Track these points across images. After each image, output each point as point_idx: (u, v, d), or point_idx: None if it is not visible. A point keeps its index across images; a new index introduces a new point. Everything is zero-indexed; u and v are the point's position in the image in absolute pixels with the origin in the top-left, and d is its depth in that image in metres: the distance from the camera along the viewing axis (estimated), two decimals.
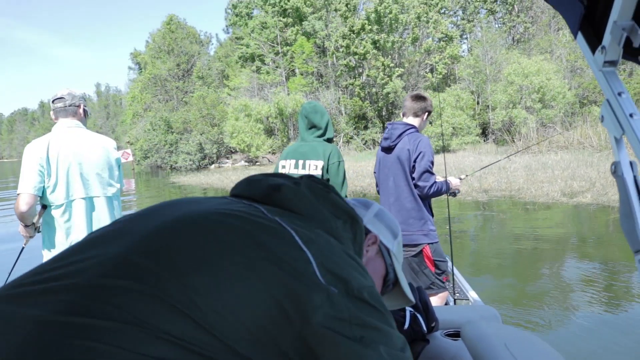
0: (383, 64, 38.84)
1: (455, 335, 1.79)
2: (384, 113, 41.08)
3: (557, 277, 6.56)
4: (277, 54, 46.26)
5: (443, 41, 40.74)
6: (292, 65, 45.21)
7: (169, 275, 0.70)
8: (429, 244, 3.46)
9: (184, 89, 54.35)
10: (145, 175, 41.28)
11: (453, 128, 31.59)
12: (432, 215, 3.55)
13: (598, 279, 6.25)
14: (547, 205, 12.05)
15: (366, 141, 38.53)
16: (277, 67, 46.13)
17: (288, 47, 45.50)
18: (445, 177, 3.60)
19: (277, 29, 45.69)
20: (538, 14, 41.79)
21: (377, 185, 3.83)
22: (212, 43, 70.79)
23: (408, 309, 1.75)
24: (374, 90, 40.62)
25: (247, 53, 48.11)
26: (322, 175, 3.51)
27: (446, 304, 3.61)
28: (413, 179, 3.46)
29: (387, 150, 3.63)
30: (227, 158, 43.61)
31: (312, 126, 3.70)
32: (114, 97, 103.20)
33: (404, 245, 3.42)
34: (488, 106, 32.94)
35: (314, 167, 3.57)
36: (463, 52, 43.61)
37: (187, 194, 23.91)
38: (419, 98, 3.63)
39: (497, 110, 31.06)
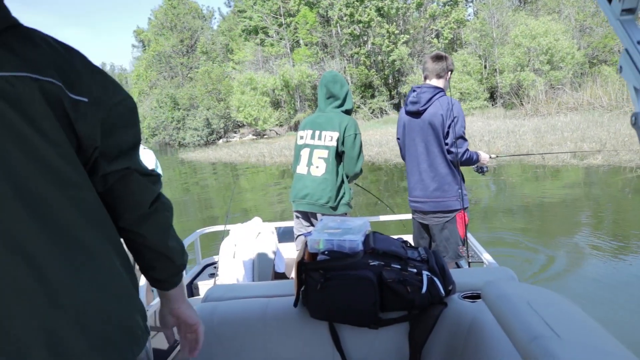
0: (388, 31, 38.29)
1: (473, 297, 1.80)
2: (390, 81, 40.69)
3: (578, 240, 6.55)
4: (280, 25, 45.77)
5: (448, 5, 40.00)
6: (296, 37, 44.76)
7: None
8: (463, 208, 3.39)
9: (188, 64, 54.11)
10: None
11: (460, 93, 31.25)
12: (464, 180, 3.45)
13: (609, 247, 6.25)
14: (556, 168, 11.97)
15: (373, 110, 38.26)
16: (281, 38, 45.69)
17: (291, 18, 44.98)
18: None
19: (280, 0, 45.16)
20: None
21: (401, 151, 3.71)
22: (215, 17, 70.35)
23: (425, 273, 1.77)
24: (379, 58, 40.17)
25: (250, 26, 47.65)
26: (337, 147, 3.49)
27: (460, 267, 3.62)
28: (446, 144, 3.34)
29: (415, 114, 3.45)
30: (235, 132, 43.59)
31: (331, 96, 3.62)
32: (119, 76, 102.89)
33: (438, 212, 3.40)
34: (496, 70, 32.50)
35: (330, 138, 3.51)
36: (469, 16, 42.87)
37: (196, 171, 24.01)
38: (439, 58, 3.46)
39: (505, 74, 30.67)
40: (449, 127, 3.29)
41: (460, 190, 3.37)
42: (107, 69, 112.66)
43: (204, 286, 3.93)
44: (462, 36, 38.74)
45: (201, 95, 44.42)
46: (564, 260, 5.77)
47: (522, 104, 27.52)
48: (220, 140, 42.80)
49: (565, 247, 6.21)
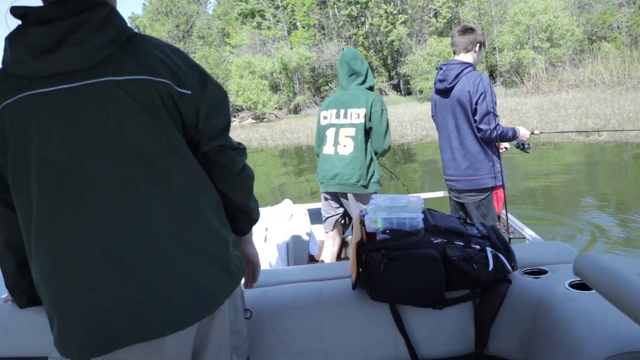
0: (386, 12, 37.99)
1: (536, 273, 1.78)
2: (389, 62, 40.47)
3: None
4: (277, 8, 45.35)
5: None
6: (293, 19, 44.38)
7: None
8: (500, 185, 3.31)
9: (185, 49, 53.54)
10: None
11: None
12: (499, 157, 3.35)
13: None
14: (561, 145, 11.97)
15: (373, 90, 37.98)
16: (278, 21, 45.30)
17: (288, 0, 44.54)
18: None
19: None
20: None
21: (437, 128, 3.62)
22: (210, 1, 69.37)
23: (489, 249, 1.76)
24: (377, 39, 39.90)
25: (246, 9, 47.19)
26: (365, 124, 3.42)
27: None
28: (475, 121, 3.25)
29: (443, 92, 3.39)
30: (234, 116, 43.32)
31: (353, 73, 3.54)
32: None
33: (472, 190, 3.35)
34: (495, 48, 32.30)
35: (356, 116, 3.44)
36: None
37: None
38: (466, 31, 3.34)
39: (505, 52, 30.49)
40: (476, 104, 3.20)
41: (494, 167, 3.29)
42: None
43: None
44: (461, 15, 38.42)
45: None
46: (609, 233, 5.73)
47: (522, 82, 27.43)
48: None
49: (601, 221, 6.17)
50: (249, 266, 1.74)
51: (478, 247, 1.78)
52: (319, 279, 2.04)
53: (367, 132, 3.48)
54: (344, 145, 3.48)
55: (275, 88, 40.88)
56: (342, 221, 3.71)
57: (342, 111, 3.51)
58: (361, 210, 2.34)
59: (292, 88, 40.46)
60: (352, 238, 1.95)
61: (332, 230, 3.68)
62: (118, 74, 1.19)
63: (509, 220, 3.06)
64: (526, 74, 28.06)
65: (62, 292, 1.19)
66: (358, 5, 38.98)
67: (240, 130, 31.87)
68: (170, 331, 1.21)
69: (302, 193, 10.91)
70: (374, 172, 3.49)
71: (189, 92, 1.29)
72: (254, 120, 40.38)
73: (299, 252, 3.37)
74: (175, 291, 1.23)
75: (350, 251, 1.92)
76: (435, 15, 39.55)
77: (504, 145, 3.56)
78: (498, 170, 3.31)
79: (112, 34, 1.21)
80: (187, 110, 1.29)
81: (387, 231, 1.83)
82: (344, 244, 3.93)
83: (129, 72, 1.20)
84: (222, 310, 1.38)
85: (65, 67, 1.17)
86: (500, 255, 1.75)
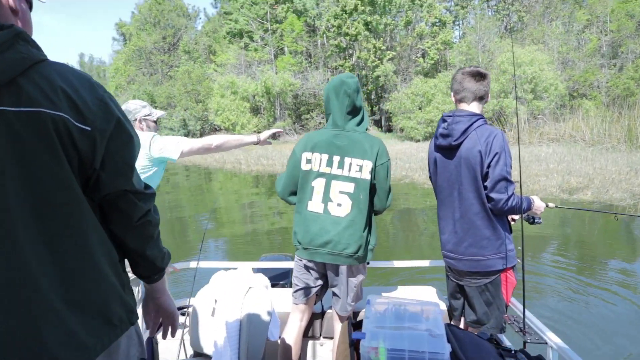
0: (374, 47, 38.09)
1: None
2: (373, 97, 40.44)
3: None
4: (266, 31, 45.18)
5: (436, 26, 40.02)
6: (281, 44, 44.22)
7: None
8: (510, 267, 2.71)
9: (169, 62, 53.00)
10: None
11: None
12: (511, 232, 2.78)
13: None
14: (546, 201, 11.62)
15: None
16: (265, 44, 45.07)
17: (278, 25, 44.44)
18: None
19: (267, 5, 44.57)
20: (532, 3, 41.20)
21: (436, 194, 2.98)
22: (200, 17, 69.52)
23: None
24: (364, 72, 39.88)
25: (235, 29, 46.93)
26: (370, 180, 2.75)
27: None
28: (485, 188, 2.65)
29: (447, 150, 2.77)
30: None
31: (352, 110, 2.81)
32: (97, 69, 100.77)
33: (475, 273, 2.73)
34: None
35: (357, 168, 2.74)
36: (455, 38, 42.97)
37: (167, 172, 23.17)
38: (481, 76, 2.73)
39: (489, 99, 30.59)
40: (488, 167, 2.59)
41: (504, 246, 2.68)
42: (85, 60, 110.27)
43: (169, 343, 2.98)
44: (448, 58, 38.70)
45: (180, 95, 43.43)
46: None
47: (504, 131, 27.42)
48: None
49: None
50: (165, 316, 1.67)
51: None
52: None
53: (371, 190, 2.80)
54: (338, 205, 2.75)
55: (256, 111, 40.38)
56: (318, 293, 3.00)
57: (336, 159, 2.77)
58: (352, 330, 1.71)
59: (273, 113, 40.00)
60: None
61: (304, 304, 2.96)
62: (14, 105, 1.14)
63: (525, 318, 2.37)
64: (508, 123, 28.10)
65: None
66: (347, 37, 39.01)
67: None
68: None
69: (274, 226, 10.28)
70: (370, 238, 2.85)
71: (89, 128, 1.24)
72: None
73: (255, 336, 2.56)
74: (49, 339, 1.16)
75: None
76: (423, 56, 39.78)
77: (512, 217, 2.91)
78: (509, 249, 2.69)
79: (12, 60, 1.15)
80: (84, 148, 1.24)
81: None
82: (313, 317, 3.25)
83: (25, 103, 1.15)
84: None
85: None
86: None
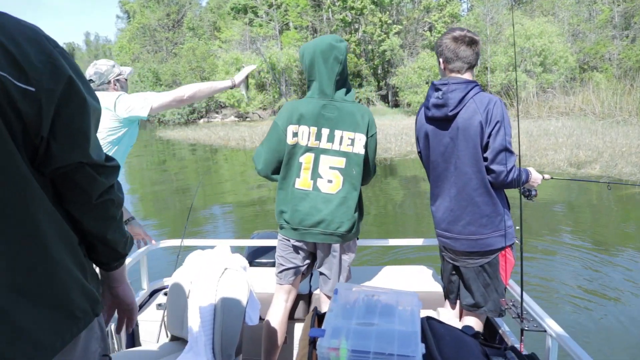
0: (380, 20, 37.52)
1: None
2: (379, 71, 39.96)
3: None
4: (270, 6, 44.60)
5: None
6: (286, 19, 43.68)
7: None
8: (508, 246, 2.53)
9: (173, 40, 52.58)
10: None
11: None
12: (509, 208, 2.59)
13: None
14: (551, 175, 11.36)
15: (360, 100, 37.54)
16: (270, 20, 44.54)
17: (282, 0, 43.85)
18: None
19: None
20: None
21: (427, 171, 2.77)
22: None
23: None
24: (369, 47, 39.38)
25: (239, 4, 46.38)
26: (365, 154, 2.60)
27: (497, 335, 2.73)
28: (485, 159, 2.44)
29: (441, 122, 2.54)
30: (217, 113, 42.40)
31: (341, 77, 2.60)
32: (103, 47, 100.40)
33: (473, 253, 2.55)
34: (487, 68, 31.89)
35: (349, 142, 2.57)
36: (463, 11, 42.24)
37: (174, 150, 23.05)
38: (473, 42, 2.50)
39: (497, 73, 30.07)
40: (489, 137, 2.39)
41: (504, 222, 2.50)
42: (91, 39, 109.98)
43: (148, 325, 2.94)
44: None
45: (184, 72, 43.12)
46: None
47: (512, 105, 27.01)
48: (202, 120, 41.56)
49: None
50: (122, 308, 1.51)
51: None
52: None
53: (365, 165, 2.64)
54: (329, 181, 2.59)
55: (261, 87, 40.08)
56: (304, 272, 2.83)
57: (325, 131, 2.57)
58: (316, 323, 1.51)
59: (278, 89, 39.68)
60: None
61: (290, 284, 2.80)
62: None
63: (523, 303, 2.15)
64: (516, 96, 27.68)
65: None
66: (353, 11, 38.42)
67: (220, 128, 31.06)
68: None
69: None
70: (361, 213, 2.70)
71: (33, 88, 1.04)
72: (236, 118, 39.59)
73: (230, 321, 2.31)
74: None
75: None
76: (430, 29, 39.14)
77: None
78: (509, 226, 2.50)
79: None
80: (28, 111, 1.04)
81: None
82: (298, 297, 3.05)
83: None
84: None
85: None
86: None
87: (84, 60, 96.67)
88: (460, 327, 1.94)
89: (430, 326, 1.36)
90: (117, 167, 1.27)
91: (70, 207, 1.21)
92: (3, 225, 1.03)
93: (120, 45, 56.11)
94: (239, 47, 42.56)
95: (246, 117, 39.12)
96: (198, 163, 18.44)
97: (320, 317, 1.75)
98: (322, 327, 1.26)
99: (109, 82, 3.01)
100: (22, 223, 1.06)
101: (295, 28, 42.83)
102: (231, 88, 3.13)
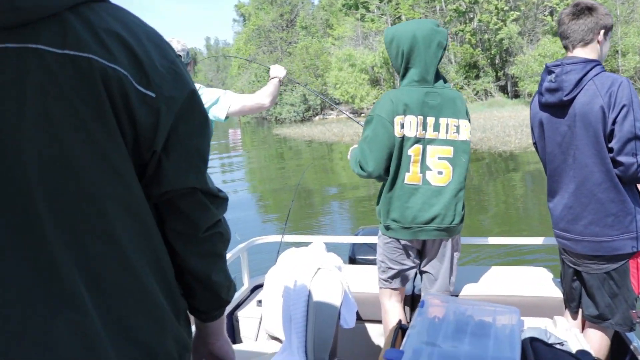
0: (496, 8, 36.01)
1: None
2: (497, 61, 38.43)
3: None
4: (382, 0, 44.38)
5: None
6: (398, 12, 43.23)
7: None
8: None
9: (287, 39, 54.09)
10: (250, 127, 41.96)
11: None
12: None
13: None
14: None
15: (477, 91, 36.38)
16: (382, 14, 44.33)
17: None
18: None
19: None
20: None
21: (543, 163, 2.52)
22: None
23: None
24: (486, 36, 37.97)
25: (351, 1, 46.59)
26: (469, 141, 2.53)
27: (629, 352, 2.43)
28: (610, 150, 2.15)
29: (556, 108, 2.28)
30: (332, 109, 43.08)
31: (440, 62, 2.52)
32: (222, 50, 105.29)
33: (597, 257, 2.26)
34: (617, 51, 29.54)
35: (454, 129, 2.48)
36: None
37: (291, 147, 23.74)
38: (582, 12, 2.20)
39: (629, 56, 27.80)
40: (614, 124, 2.11)
41: (635, 223, 2.18)
42: (211, 43, 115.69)
43: (248, 322, 2.93)
44: None
45: (299, 71, 44.22)
46: None
47: None
48: (317, 117, 42.47)
49: None
50: None
51: None
52: None
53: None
54: (439, 172, 2.47)
55: (375, 83, 40.06)
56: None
57: (430, 120, 2.45)
58: (399, 338, 1.43)
59: (392, 84, 39.46)
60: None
61: (402, 288, 2.70)
62: (53, 44, 0.82)
63: None
64: None
65: None
66: (467, 0, 37.20)
67: (335, 124, 31.50)
68: None
69: None
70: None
71: (153, 94, 0.90)
72: (351, 115, 39.88)
73: (324, 323, 2.25)
74: None
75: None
76: (551, 13, 36.93)
77: None
78: (639, 228, 2.20)
79: None
80: (143, 119, 0.90)
81: None
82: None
83: (69, 44, 0.83)
84: None
85: None
86: None
87: (206, 63, 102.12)
88: (579, 342, 1.79)
89: (535, 350, 1.21)
90: (227, 199, 1.11)
91: (172, 239, 1.04)
92: (104, 241, 0.88)
93: (237, 47, 58.72)
94: (351, 43, 42.88)
95: (361, 113, 39.35)
96: (315, 160, 18.86)
97: (404, 332, 1.63)
98: (402, 348, 1.15)
99: (189, 62, 2.84)
100: (120, 240, 0.90)
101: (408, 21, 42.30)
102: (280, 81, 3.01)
